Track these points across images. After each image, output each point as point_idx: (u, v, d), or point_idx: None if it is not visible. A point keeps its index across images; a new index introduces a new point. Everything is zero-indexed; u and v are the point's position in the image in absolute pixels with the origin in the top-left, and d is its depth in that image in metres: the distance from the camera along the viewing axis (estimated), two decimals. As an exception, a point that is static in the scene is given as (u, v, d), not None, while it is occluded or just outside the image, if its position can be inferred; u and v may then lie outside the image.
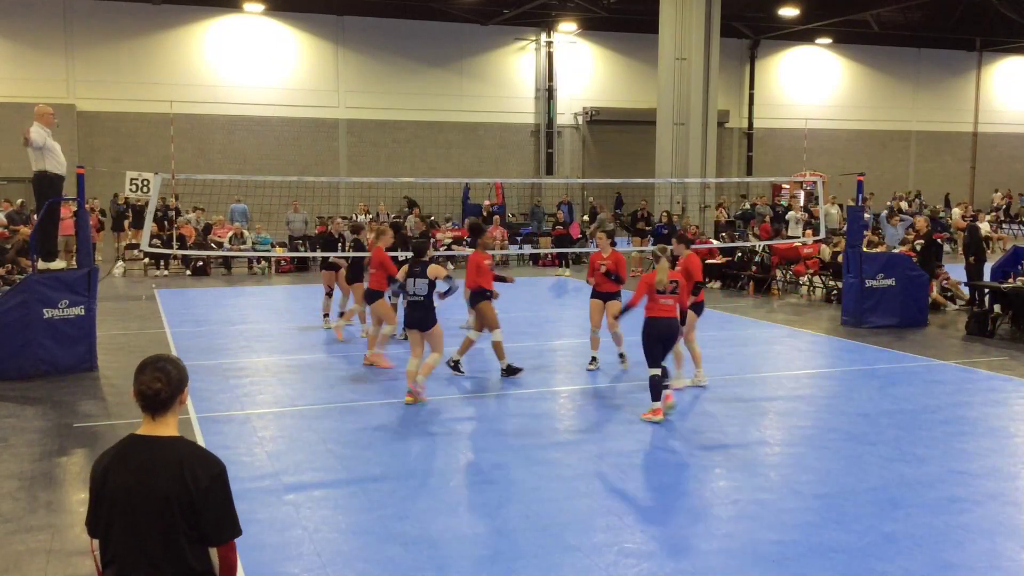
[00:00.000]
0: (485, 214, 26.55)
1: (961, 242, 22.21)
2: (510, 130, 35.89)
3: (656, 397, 9.09)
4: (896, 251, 17.52)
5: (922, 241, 17.35)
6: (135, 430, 3.35)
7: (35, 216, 13.48)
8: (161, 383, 3.25)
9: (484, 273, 11.11)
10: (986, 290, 15.37)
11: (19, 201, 23.36)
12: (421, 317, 9.95)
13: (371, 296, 11.80)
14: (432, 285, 9.97)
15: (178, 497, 3.17)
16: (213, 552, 3.32)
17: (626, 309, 9.71)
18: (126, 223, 24.53)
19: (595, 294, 11.50)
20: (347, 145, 33.83)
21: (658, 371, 9.10)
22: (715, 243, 21.85)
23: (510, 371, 11.10)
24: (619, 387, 10.70)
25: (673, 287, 9.07)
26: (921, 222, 18.91)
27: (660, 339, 9.06)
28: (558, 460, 7.99)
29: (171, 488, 3.17)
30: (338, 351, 12.98)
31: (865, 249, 15.72)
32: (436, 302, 10.14)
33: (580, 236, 25.38)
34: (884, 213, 24.93)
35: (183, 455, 3.24)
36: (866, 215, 17.85)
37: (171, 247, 22.01)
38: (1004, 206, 37.54)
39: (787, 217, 25.44)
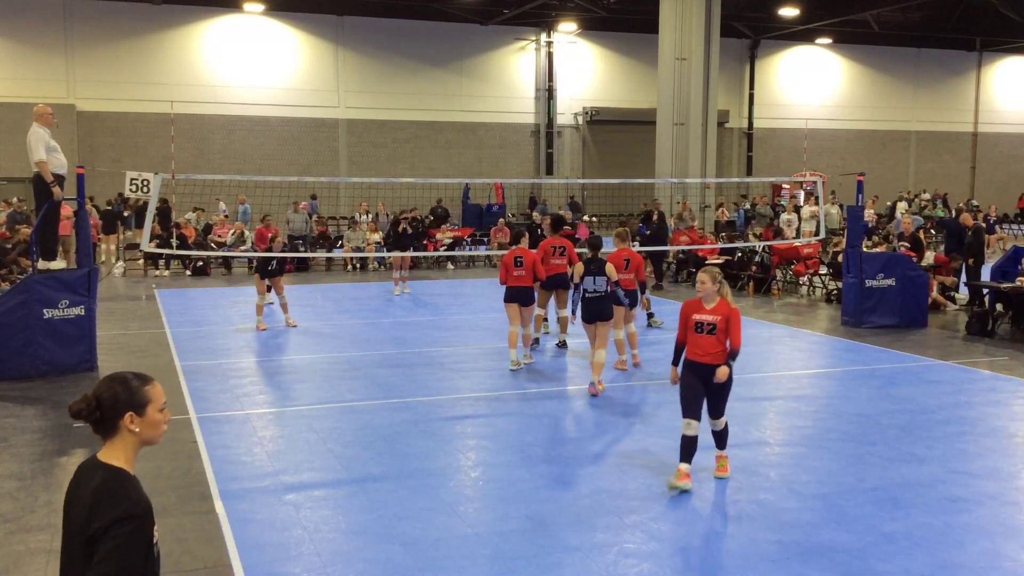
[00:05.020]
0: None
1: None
2: (510, 130, 35.89)
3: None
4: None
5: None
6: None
7: (35, 216, 13.48)
8: (83, 404, 2.89)
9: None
10: (986, 290, 15.37)
11: (15, 199, 23.36)
12: (602, 309, 10.34)
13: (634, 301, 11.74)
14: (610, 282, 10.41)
15: (82, 532, 2.80)
16: None
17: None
18: (119, 224, 24.50)
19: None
20: (347, 145, 33.82)
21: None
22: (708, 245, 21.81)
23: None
24: (619, 387, 10.69)
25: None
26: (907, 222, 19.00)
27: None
28: (558, 460, 7.99)
29: (81, 521, 2.83)
30: (337, 351, 12.98)
31: (866, 249, 15.73)
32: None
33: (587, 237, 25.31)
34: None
35: (99, 487, 2.83)
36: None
37: (171, 247, 21.98)
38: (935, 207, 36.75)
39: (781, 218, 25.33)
